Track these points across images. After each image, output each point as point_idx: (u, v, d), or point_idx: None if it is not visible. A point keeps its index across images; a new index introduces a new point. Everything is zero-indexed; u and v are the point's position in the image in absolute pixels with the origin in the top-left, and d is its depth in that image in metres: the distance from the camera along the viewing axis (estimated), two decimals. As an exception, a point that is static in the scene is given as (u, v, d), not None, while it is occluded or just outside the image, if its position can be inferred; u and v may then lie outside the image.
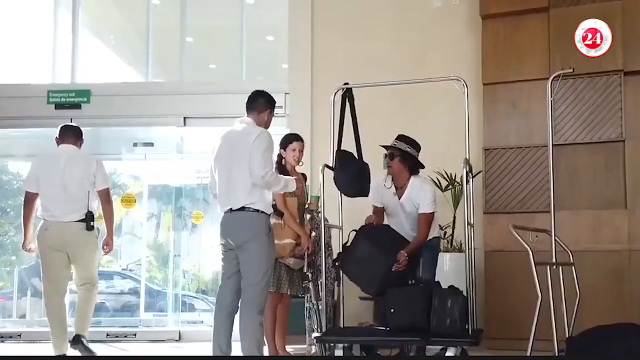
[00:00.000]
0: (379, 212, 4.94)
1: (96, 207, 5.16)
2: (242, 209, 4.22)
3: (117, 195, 8.19)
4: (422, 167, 4.88)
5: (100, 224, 5.33)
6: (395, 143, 4.79)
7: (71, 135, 5.28)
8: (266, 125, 4.44)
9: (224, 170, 4.30)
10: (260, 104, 4.43)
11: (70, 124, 5.57)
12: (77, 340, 5.01)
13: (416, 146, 4.81)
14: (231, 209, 4.25)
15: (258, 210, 4.22)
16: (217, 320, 4.31)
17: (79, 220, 5.00)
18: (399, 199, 4.82)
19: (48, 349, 5.17)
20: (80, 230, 5.00)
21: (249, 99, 4.46)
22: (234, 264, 4.29)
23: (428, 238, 4.83)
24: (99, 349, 5.47)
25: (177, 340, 7.24)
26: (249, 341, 4.15)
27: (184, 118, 7.91)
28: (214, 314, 4.37)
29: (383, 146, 4.86)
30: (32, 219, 5.16)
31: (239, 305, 4.27)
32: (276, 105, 4.58)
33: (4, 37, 9.02)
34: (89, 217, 5.01)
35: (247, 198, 4.20)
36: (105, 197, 5.20)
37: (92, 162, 5.20)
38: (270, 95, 4.52)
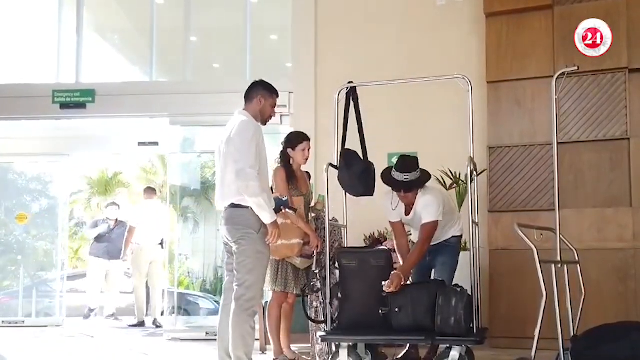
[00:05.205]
0: (400, 227, 4.70)
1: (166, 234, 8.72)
2: (232, 205, 4.04)
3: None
4: (430, 177, 4.58)
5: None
6: (407, 177, 4.37)
7: (153, 193, 8.93)
8: (262, 113, 4.22)
9: (218, 168, 4.16)
10: (252, 92, 4.25)
11: (152, 186, 9.44)
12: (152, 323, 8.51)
13: (416, 164, 4.44)
14: (225, 206, 4.10)
15: (248, 207, 3.99)
16: (222, 323, 4.14)
17: (158, 244, 8.53)
18: (407, 215, 4.61)
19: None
20: (158, 249, 8.58)
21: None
22: (232, 261, 4.16)
23: (445, 238, 4.70)
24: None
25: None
26: (235, 341, 3.96)
27: (188, 117, 7.92)
28: (219, 317, 4.20)
29: (396, 188, 4.46)
30: (132, 241, 8.61)
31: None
32: (280, 102, 4.31)
33: (9, 38, 9.07)
34: (161, 242, 8.48)
35: (234, 194, 4.00)
36: None
37: (163, 210, 8.77)
38: (265, 82, 4.31)
